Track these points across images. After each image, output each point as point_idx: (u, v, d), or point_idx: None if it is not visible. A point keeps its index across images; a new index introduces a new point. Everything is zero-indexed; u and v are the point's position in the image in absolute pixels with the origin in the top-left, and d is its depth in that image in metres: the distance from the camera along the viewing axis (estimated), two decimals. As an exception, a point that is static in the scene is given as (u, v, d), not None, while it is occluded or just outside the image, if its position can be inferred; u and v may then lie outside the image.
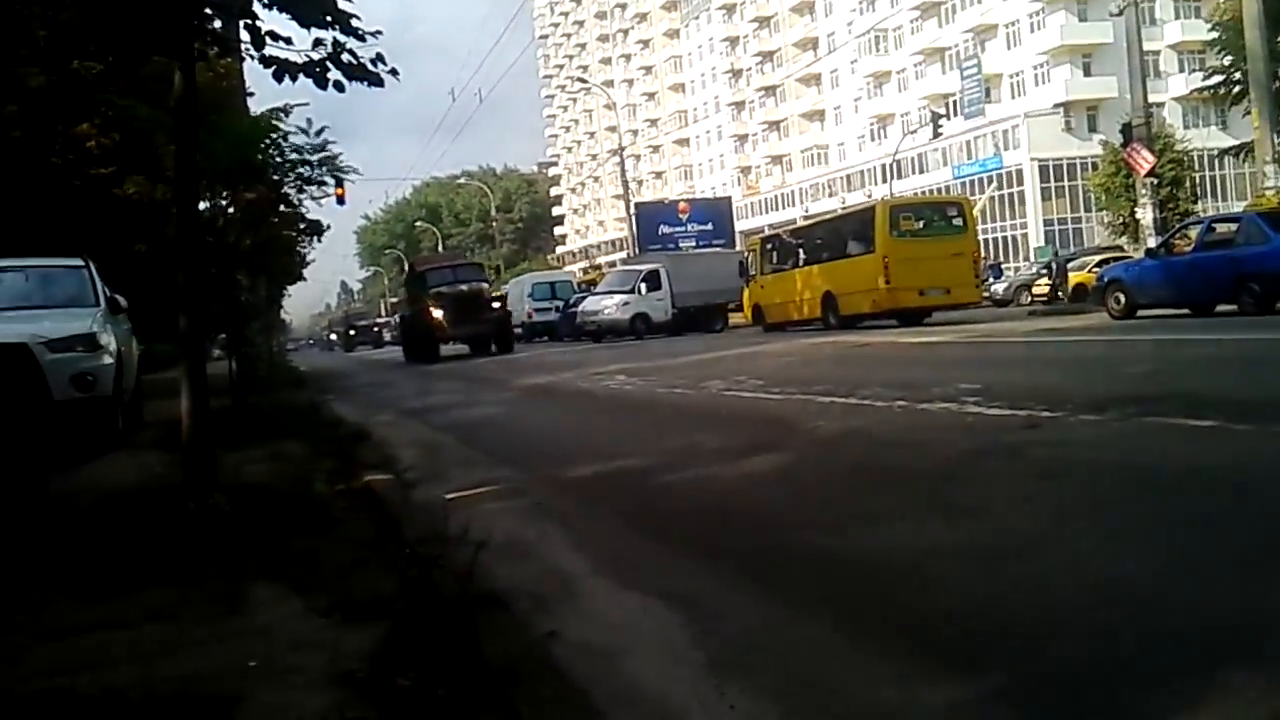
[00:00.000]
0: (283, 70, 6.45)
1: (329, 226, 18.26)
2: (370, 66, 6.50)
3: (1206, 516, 4.00)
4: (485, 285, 31.94)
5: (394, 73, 6.59)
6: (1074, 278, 30.12)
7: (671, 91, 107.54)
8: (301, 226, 17.11)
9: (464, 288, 29.51)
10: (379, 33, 6.53)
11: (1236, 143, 33.28)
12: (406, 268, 41.74)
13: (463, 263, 36.78)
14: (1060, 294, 28.67)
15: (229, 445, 7.06)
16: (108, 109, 12.51)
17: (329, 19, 6.32)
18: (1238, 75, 27.53)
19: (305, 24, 6.36)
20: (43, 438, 8.23)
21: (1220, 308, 16.38)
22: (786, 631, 3.24)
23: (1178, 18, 63.65)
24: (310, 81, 6.50)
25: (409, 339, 32.85)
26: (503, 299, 31.84)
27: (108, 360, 8.67)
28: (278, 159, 14.73)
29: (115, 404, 8.84)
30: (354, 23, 6.35)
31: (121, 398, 9.15)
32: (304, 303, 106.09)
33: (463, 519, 4.58)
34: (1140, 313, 17.69)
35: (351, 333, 70.60)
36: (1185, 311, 17.04)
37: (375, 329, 70.29)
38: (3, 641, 3.35)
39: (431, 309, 28.63)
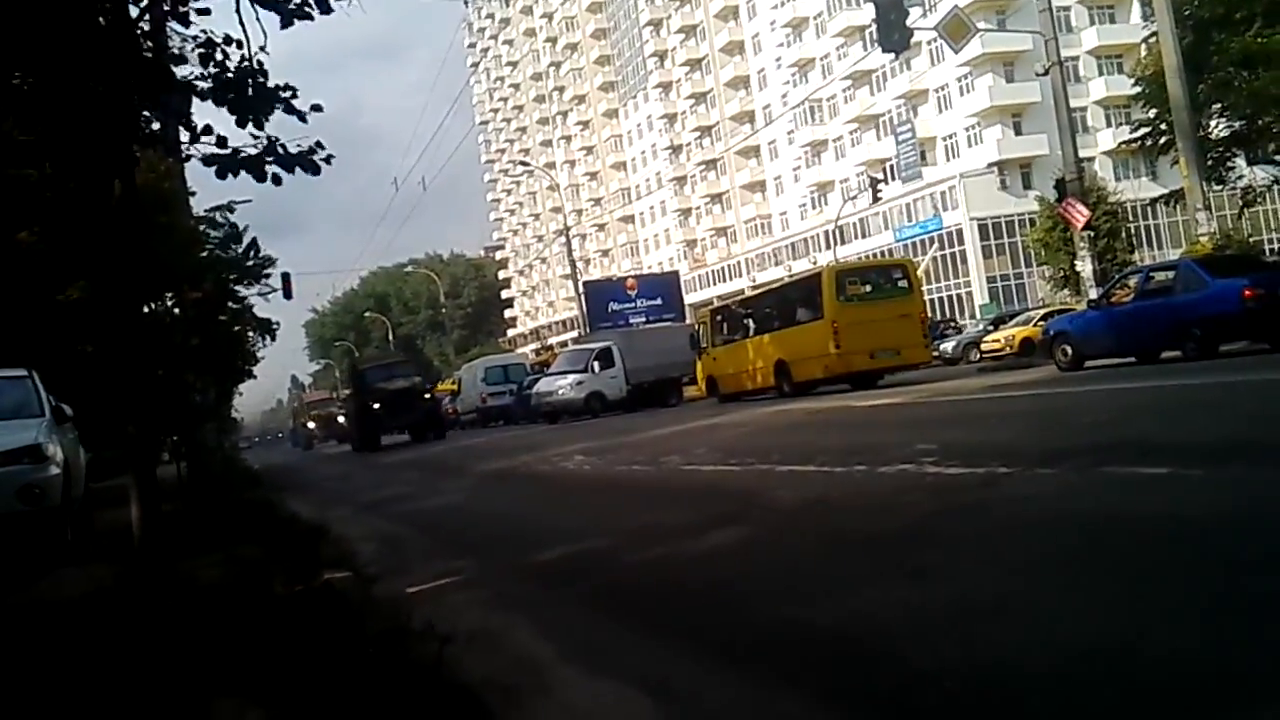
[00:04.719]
0: (224, 168, 6.49)
1: (278, 324, 18.22)
2: (307, 154, 6.56)
3: (1169, 565, 4.01)
4: (417, 379, 34.97)
5: (329, 159, 6.64)
6: (1019, 332, 30.71)
7: (613, 170, 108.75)
8: (252, 325, 17.05)
9: (400, 383, 32.73)
10: (319, 107, 6.57)
11: (1166, 191, 34.09)
12: (350, 368, 43.79)
13: (397, 361, 39.24)
14: None
15: (182, 551, 6.91)
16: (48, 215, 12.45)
17: (267, 111, 6.37)
18: (1163, 126, 28.23)
19: (243, 121, 6.40)
20: (-11, 554, 8.04)
21: (1165, 354, 16.64)
22: (764, 709, 3.19)
23: (1101, 74, 65.54)
24: (252, 178, 6.54)
25: (356, 431, 35.70)
26: (433, 390, 37.03)
27: (54, 471, 8.50)
28: (220, 255, 14.72)
29: (64, 516, 8.65)
30: (294, 103, 6.42)
31: (70, 509, 8.97)
32: (254, 400, 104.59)
33: (426, 612, 4.50)
34: (1087, 363, 17.93)
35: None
36: (1131, 360, 17.30)
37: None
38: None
39: (371, 404, 32.16)
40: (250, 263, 15.56)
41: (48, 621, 5.25)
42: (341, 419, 62.00)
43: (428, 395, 34.43)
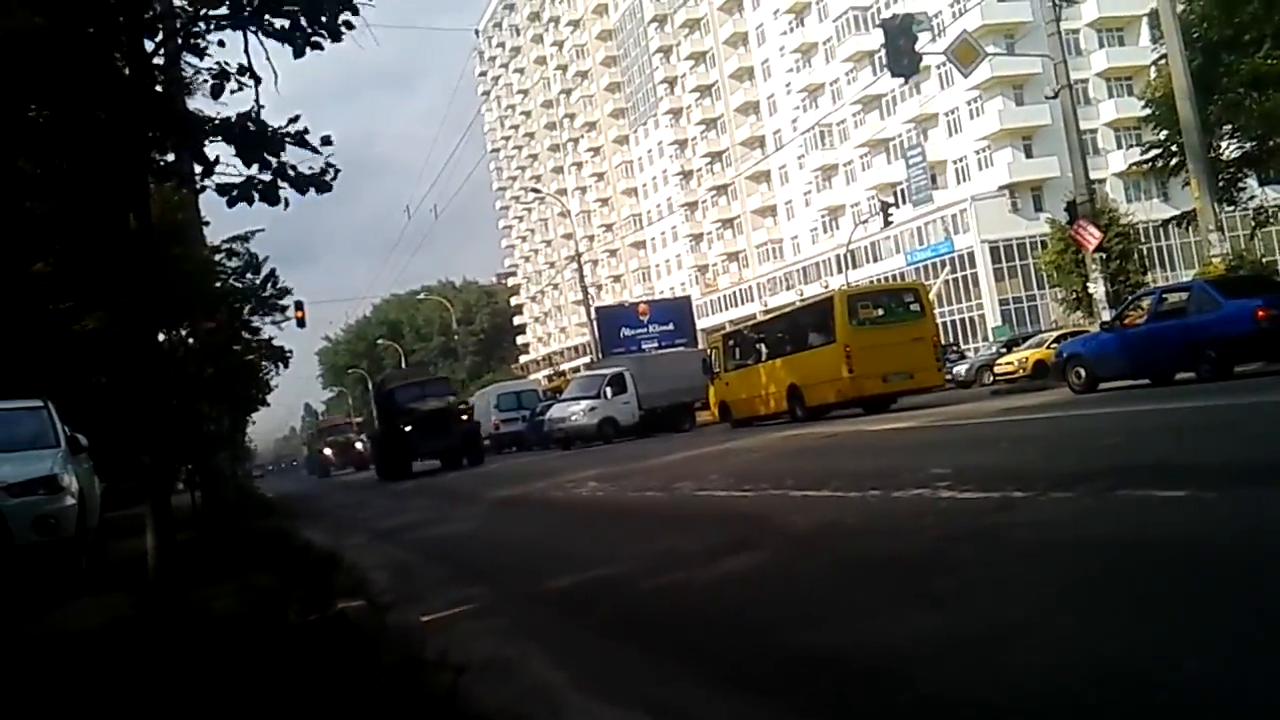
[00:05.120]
0: (238, 196, 6.56)
1: (291, 353, 18.30)
2: (319, 176, 6.64)
3: (1185, 589, 3.99)
4: (453, 399, 31.90)
5: (337, 174, 6.72)
6: (1032, 355, 30.63)
7: (625, 196, 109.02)
8: (265, 354, 17.12)
9: (434, 403, 29.97)
10: (328, 139, 6.65)
11: (1178, 212, 34.06)
12: (377, 387, 38.95)
13: (431, 379, 36.09)
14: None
15: (197, 580, 6.92)
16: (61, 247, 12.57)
17: (275, 151, 6.45)
18: (1174, 147, 28.25)
19: (249, 160, 6.48)
20: (4, 584, 8.06)
21: (1180, 376, 16.58)
22: (776, 737, 3.18)
23: (1111, 96, 65.55)
24: (264, 203, 6.62)
25: (381, 458, 33.13)
26: (470, 411, 32.51)
27: (70, 502, 8.52)
28: (235, 284, 14.79)
29: (79, 546, 8.66)
30: (306, 137, 6.50)
31: (85, 539, 8.98)
32: (268, 428, 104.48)
33: (441, 641, 4.50)
34: (1102, 386, 17.87)
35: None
36: (1145, 382, 17.24)
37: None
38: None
39: (402, 426, 29.13)
40: (267, 293, 15.66)
41: (64, 652, 5.25)
42: (360, 445, 59.81)
43: (465, 417, 31.02)
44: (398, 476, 29.03)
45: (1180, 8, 24.66)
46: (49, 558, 8.25)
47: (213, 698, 3.98)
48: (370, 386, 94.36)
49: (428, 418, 29.09)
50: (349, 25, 6.52)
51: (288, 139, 6.33)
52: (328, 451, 62.67)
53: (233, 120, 6.45)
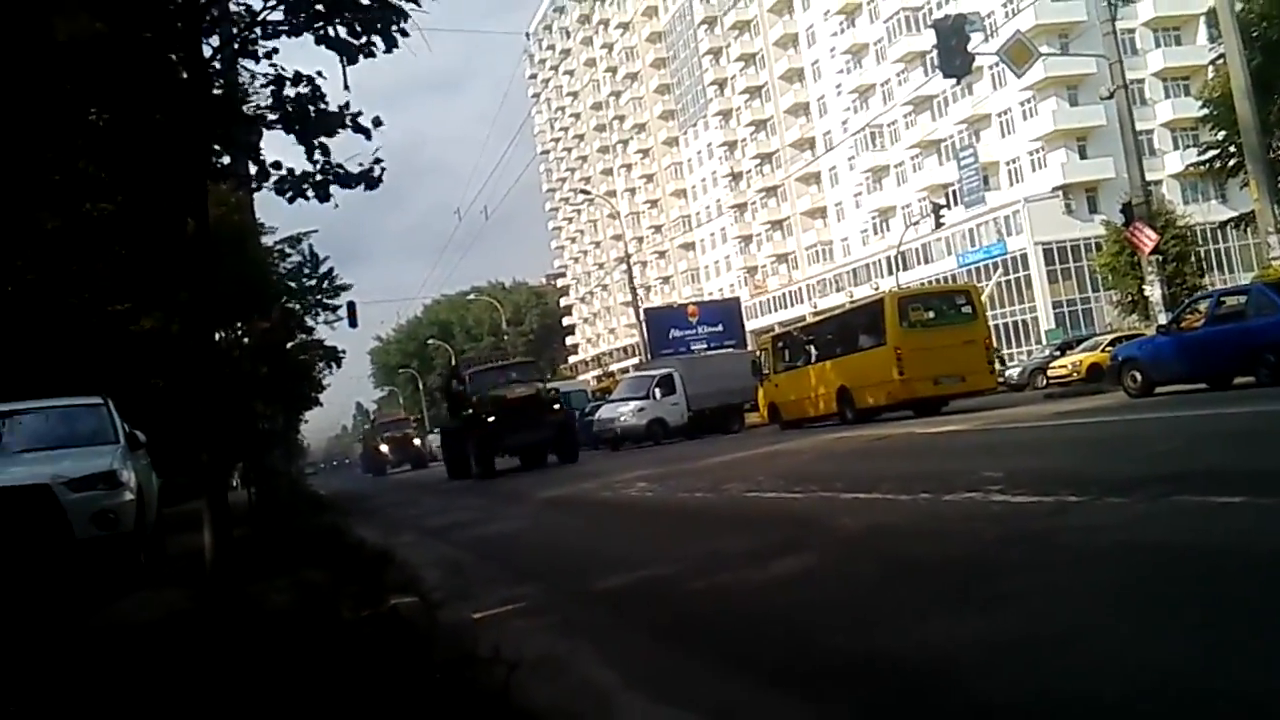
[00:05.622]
0: (292, 191, 6.68)
1: (344, 352, 18.53)
2: (367, 173, 6.78)
3: (1243, 597, 3.93)
4: (542, 385, 27.77)
5: (383, 170, 6.85)
6: (1086, 358, 30.28)
7: (674, 197, 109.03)
8: (319, 354, 17.36)
9: (520, 390, 25.94)
10: (379, 121, 6.77)
11: (1236, 214, 33.52)
12: (449, 373, 34.82)
13: (516, 362, 32.28)
14: None
15: (252, 575, 7.02)
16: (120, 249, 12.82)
17: (331, 133, 6.58)
18: (1232, 148, 27.83)
19: (310, 147, 6.60)
20: (66, 577, 8.23)
21: (1238, 380, 16.31)
22: (827, 739, 3.18)
23: (1168, 96, 64.65)
24: (315, 200, 6.76)
25: (453, 454, 29.81)
26: (561, 399, 28.84)
27: (129, 497, 8.68)
28: (290, 284, 15.02)
29: (137, 540, 8.83)
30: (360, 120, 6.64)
31: (144, 534, 9.14)
32: (320, 426, 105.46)
33: (492, 638, 4.53)
34: (1158, 390, 17.62)
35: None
36: (1202, 386, 16.97)
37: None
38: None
39: (484, 417, 25.40)
40: (324, 288, 15.92)
41: (123, 644, 5.35)
42: (418, 441, 59.50)
43: (556, 405, 26.75)
44: (482, 475, 25.24)
45: (1239, 6, 24.28)
46: (108, 551, 8.41)
47: (270, 689, 4.04)
48: (420, 386, 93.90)
49: (515, 406, 25.15)
50: (403, 33, 6.61)
51: (346, 117, 6.45)
52: (384, 448, 60.75)
53: (287, 101, 6.58)
